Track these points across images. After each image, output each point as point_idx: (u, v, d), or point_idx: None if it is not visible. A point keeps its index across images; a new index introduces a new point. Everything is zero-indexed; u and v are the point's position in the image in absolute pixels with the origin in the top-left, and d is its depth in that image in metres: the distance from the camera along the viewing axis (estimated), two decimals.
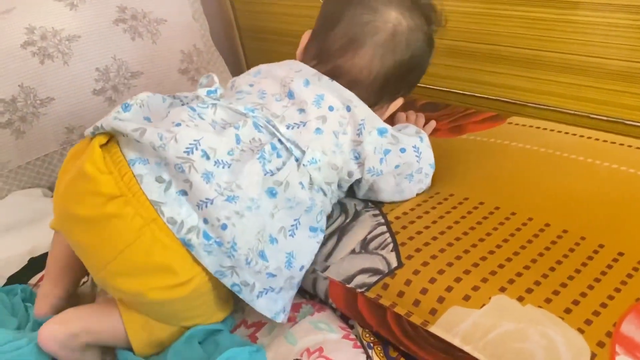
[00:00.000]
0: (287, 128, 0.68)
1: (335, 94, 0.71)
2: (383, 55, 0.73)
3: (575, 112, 0.94)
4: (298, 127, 0.68)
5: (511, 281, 0.60)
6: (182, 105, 0.70)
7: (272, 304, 0.65)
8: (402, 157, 0.73)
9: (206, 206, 0.59)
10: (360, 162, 0.72)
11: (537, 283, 0.60)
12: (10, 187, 1.04)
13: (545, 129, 0.89)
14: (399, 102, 0.80)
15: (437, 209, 0.74)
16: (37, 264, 0.89)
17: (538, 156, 0.82)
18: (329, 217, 0.75)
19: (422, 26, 0.76)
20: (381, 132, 0.72)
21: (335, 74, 0.73)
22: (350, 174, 0.73)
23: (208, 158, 0.61)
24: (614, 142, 0.83)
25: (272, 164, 0.65)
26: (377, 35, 0.73)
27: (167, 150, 0.60)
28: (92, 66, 1.06)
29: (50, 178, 1.08)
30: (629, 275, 0.59)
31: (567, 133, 0.87)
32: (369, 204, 0.78)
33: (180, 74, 1.14)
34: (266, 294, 0.64)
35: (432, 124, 0.94)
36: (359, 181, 0.75)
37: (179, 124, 0.62)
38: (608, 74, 0.88)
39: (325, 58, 0.74)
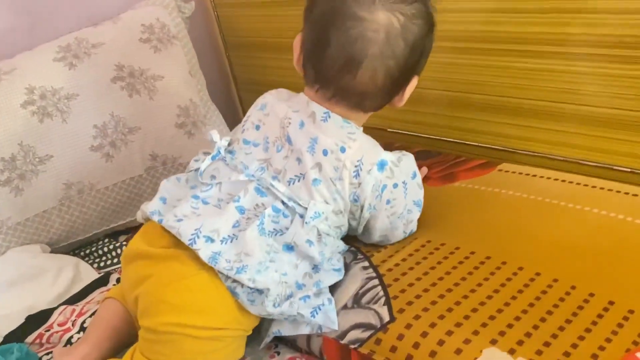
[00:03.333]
0: (288, 184, 0.71)
1: (329, 133, 0.72)
2: (384, 64, 0.70)
3: (565, 159, 0.95)
4: (298, 181, 0.71)
5: (502, 333, 0.60)
6: (192, 187, 0.76)
7: (332, 315, 0.68)
8: (393, 192, 0.74)
9: (227, 277, 0.67)
10: (360, 204, 0.74)
11: (528, 335, 0.60)
12: (9, 243, 1.05)
13: (535, 175, 0.91)
14: (415, 81, 0.77)
15: (428, 259, 0.75)
16: (34, 321, 0.89)
17: (528, 204, 0.83)
18: None
19: (418, 9, 0.71)
20: (381, 166, 0.72)
21: (341, 96, 0.73)
22: (352, 213, 0.75)
23: (212, 241, 0.67)
24: (603, 188, 0.84)
25: (280, 224, 0.70)
26: (372, 49, 0.69)
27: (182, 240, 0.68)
28: (90, 123, 1.08)
29: (49, 233, 1.09)
30: (620, 325, 0.59)
31: (556, 179, 0.88)
32: (358, 254, 0.78)
33: (177, 128, 1.16)
34: (319, 310, 0.68)
35: (424, 170, 0.96)
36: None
37: (180, 220, 0.69)
38: (596, 121, 0.90)
39: (326, 83, 0.73)
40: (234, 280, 0.66)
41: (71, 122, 1.07)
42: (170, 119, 1.15)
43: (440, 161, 1.03)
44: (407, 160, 0.77)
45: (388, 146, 0.91)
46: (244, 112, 1.52)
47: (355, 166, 0.71)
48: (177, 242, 0.69)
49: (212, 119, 1.22)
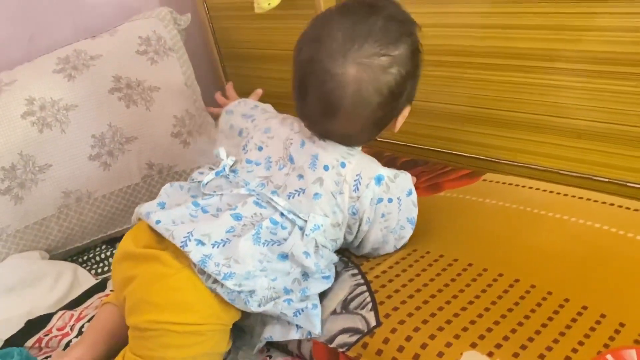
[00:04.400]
0: (289, 198, 0.75)
1: (329, 150, 0.76)
2: (359, 113, 0.73)
3: (547, 169, 0.99)
4: (298, 195, 0.75)
5: (482, 337, 0.64)
6: (194, 195, 0.79)
7: (314, 319, 0.72)
8: (387, 206, 0.78)
9: (215, 279, 0.69)
10: (358, 217, 0.77)
11: (506, 338, 0.63)
12: (8, 250, 1.08)
13: (518, 185, 0.94)
14: (407, 111, 0.79)
15: (414, 267, 0.78)
16: (34, 326, 0.92)
17: (511, 213, 0.87)
18: None
19: (396, 56, 0.72)
20: (379, 180, 0.76)
21: (326, 135, 0.77)
22: (350, 227, 0.78)
23: (203, 244, 0.70)
24: (582, 198, 0.87)
25: (278, 236, 0.73)
26: (344, 101, 0.72)
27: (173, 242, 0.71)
28: (88, 133, 1.11)
29: (47, 240, 1.12)
30: (592, 329, 0.63)
31: (538, 189, 0.92)
32: (349, 263, 0.82)
33: (173, 138, 1.19)
34: (301, 312, 0.71)
35: (413, 179, 0.98)
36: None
37: (177, 225, 0.72)
38: (578, 133, 0.94)
39: (312, 123, 0.78)
40: (215, 281, 0.69)
41: (70, 132, 1.10)
42: (167, 129, 1.19)
43: (427, 171, 1.07)
44: (404, 178, 0.80)
45: (378, 155, 0.95)
46: None
47: (355, 180, 0.75)
48: (159, 241, 0.72)
49: (207, 128, 1.25)
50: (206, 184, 0.79)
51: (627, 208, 0.83)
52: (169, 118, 1.19)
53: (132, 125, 1.15)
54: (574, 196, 0.88)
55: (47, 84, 1.10)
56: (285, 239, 0.73)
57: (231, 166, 0.82)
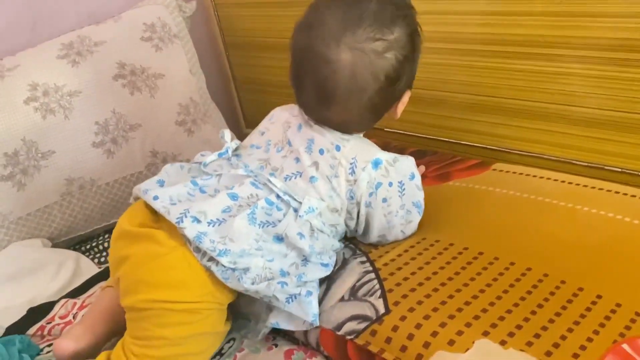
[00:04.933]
0: (285, 180, 0.74)
1: (326, 134, 0.76)
2: (355, 99, 0.73)
3: (557, 159, 0.98)
4: (295, 178, 0.75)
5: (494, 325, 0.62)
6: (193, 176, 0.78)
7: (306, 307, 0.70)
8: (389, 190, 0.76)
9: (210, 257, 0.68)
10: (356, 201, 0.76)
11: (519, 327, 0.62)
12: (10, 238, 1.07)
13: (528, 175, 0.93)
14: (407, 96, 0.78)
15: (423, 255, 0.77)
16: (36, 314, 0.91)
17: (521, 202, 0.86)
18: None
19: (392, 41, 0.71)
20: (376, 164, 0.75)
21: (323, 122, 0.77)
22: (350, 212, 0.77)
23: (199, 222, 0.69)
24: (594, 187, 0.86)
25: (273, 217, 0.72)
26: (340, 88, 0.71)
27: (169, 219, 0.70)
28: (92, 120, 1.10)
29: (50, 228, 1.11)
30: (607, 318, 0.61)
31: (548, 179, 0.90)
32: (357, 251, 0.80)
33: (178, 126, 1.18)
34: (294, 299, 0.69)
35: (422, 168, 0.97)
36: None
37: (174, 204, 0.71)
38: (588, 122, 0.92)
39: (309, 110, 0.77)
40: (210, 259, 0.68)
41: (73, 119, 1.08)
42: (171, 117, 1.17)
43: (436, 160, 1.05)
44: (405, 161, 0.79)
45: (385, 145, 0.94)
46: (243, 110, 1.56)
47: (351, 163, 0.74)
48: (154, 219, 0.72)
49: (212, 117, 1.24)
50: (207, 164, 0.79)
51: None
52: (174, 106, 1.18)
53: (136, 112, 1.14)
54: (585, 185, 0.87)
55: (50, 69, 1.09)
56: (279, 220, 0.72)
57: (234, 150, 0.82)
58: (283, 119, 0.80)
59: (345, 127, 0.77)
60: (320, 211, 0.74)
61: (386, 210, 0.77)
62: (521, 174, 0.93)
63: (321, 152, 0.75)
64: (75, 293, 0.97)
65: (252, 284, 0.69)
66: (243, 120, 1.58)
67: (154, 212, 0.72)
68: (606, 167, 0.92)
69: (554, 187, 0.88)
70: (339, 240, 0.81)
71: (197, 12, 1.33)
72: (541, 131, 0.98)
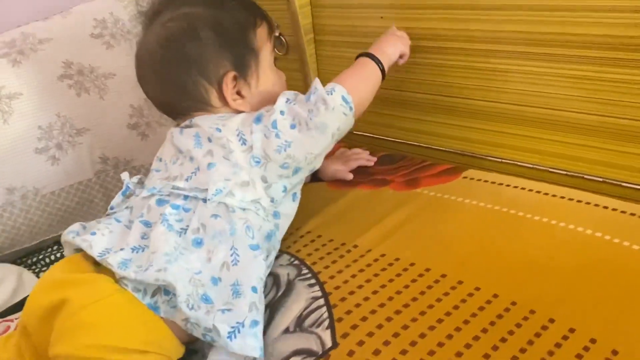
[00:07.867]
0: (187, 180, 0.73)
1: (204, 123, 0.75)
2: (151, 74, 0.81)
3: (533, 166, 0.90)
4: (195, 174, 0.73)
5: None
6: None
7: (249, 341, 0.62)
8: (268, 112, 0.74)
9: (145, 295, 0.65)
10: (265, 161, 0.72)
11: None
12: None
13: (502, 184, 0.85)
14: (228, 79, 0.77)
15: (380, 277, 0.69)
16: None
17: (493, 215, 0.78)
18: None
19: (179, 14, 0.77)
20: (258, 120, 0.73)
21: (164, 110, 0.84)
22: (267, 179, 0.73)
23: (122, 250, 0.67)
24: (572, 199, 0.78)
25: (184, 221, 0.69)
26: (142, 64, 0.81)
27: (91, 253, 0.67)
28: (35, 124, 1.01)
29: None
30: (578, 356, 0.54)
31: (523, 189, 0.82)
32: (303, 269, 0.73)
33: (130, 129, 1.09)
34: (238, 332, 0.62)
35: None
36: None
37: (94, 233, 0.70)
38: (568, 126, 0.84)
39: (167, 113, 0.85)
40: (153, 296, 0.64)
41: (13, 123, 1.00)
42: (122, 120, 1.09)
43: (405, 165, 0.98)
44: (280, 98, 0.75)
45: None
46: None
47: (237, 136, 0.73)
48: (95, 270, 0.67)
49: (169, 119, 1.15)
50: (114, 207, 0.77)
51: (623, 212, 0.73)
52: (125, 108, 1.09)
53: (83, 115, 1.05)
54: (563, 197, 0.79)
55: None
56: (190, 219, 0.69)
57: (139, 183, 0.80)
58: (168, 135, 0.81)
59: (183, 107, 0.79)
60: (230, 189, 0.70)
61: (300, 132, 0.72)
62: (494, 182, 0.86)
63: (209, 140, 0.74)
64: (11, 311, 0.90)
65: (189, 307, 0.62)
66: None
67: (94, 263, 0.67)
68: (587, 177, 0.85)
69: (529, 199, 0.80)
70: (273, 224, 0.75)
71: None
72: (517, 136, 0.90)
